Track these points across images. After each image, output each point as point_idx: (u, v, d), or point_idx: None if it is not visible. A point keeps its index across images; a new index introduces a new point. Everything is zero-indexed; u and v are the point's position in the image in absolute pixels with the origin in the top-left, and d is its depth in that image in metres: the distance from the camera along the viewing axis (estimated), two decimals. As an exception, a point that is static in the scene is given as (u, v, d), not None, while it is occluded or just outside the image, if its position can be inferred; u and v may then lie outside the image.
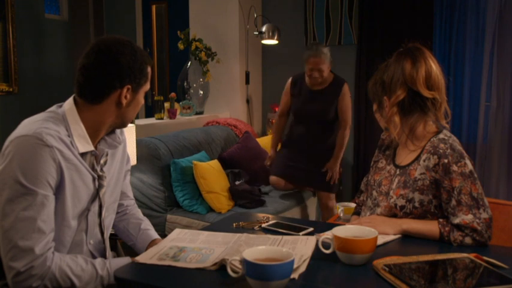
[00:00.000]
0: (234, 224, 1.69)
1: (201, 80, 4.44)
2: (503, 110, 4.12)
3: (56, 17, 5.82)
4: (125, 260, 1.40)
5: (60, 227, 1.36)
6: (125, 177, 1.67)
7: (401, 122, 1.65)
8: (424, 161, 1.58)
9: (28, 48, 5.28)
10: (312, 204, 3.99)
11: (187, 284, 1.23)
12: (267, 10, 4.92)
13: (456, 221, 1.50)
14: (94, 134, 1.43)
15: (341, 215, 2.23)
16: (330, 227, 1.56)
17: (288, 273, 1.14)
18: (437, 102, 1.62)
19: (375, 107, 1.76)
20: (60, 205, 1.34)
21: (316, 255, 1.35)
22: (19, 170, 1.25)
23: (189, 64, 4.46)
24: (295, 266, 1.21)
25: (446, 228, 1.51)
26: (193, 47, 4.29)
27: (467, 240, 1.49)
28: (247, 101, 4.81)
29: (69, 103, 1.42)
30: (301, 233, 1.57)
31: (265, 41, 4.49)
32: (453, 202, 1.52)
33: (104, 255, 1.53)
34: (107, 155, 1.48)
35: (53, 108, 1.43)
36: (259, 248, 1.22)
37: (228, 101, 4.76)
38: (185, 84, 4.48)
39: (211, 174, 3.34)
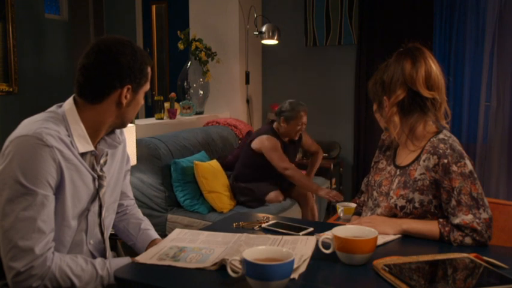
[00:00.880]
0: (234, 224, 1.69)
1: (201, 80, 4.43)
2: (503, 110, 4.12)
3: (56, 17, 5.82)
4: (125, 260, 1.40)
5: (60, 227, 1.36)
6: (124, 177, 1.67)
7: (401, 122, 1.65)
8: (424, 161, 1.58)
9: (28, 48, 5.28)
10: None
11: (187, 284, 1.23)
12: (267, 10, 4.93)
13: (456, 221, 1.50)
14: (94, 134, 1.43)
15: (341, 215, 2.22)
16: (330, 227, 1.56)
17: (288, 273, 1.14)
18: (437, 102, 1.61)
19: (375, 107, 1.76)
20: (60, 205, 1.34)
21: (316, 255, 1.35)
22: (19, 170, 1.25)
23: (189, 64, 4.46)
24: (295, 266, 1.20)
25: (446, 228, 1.51)
26: (193, 47, 4.29)
27: (467, 240, 1.49)
28: (247, 101, 4.81)
29: (69, 103, 1.42)
30: (301, 233, 1.57)
31: (265, 41, 4.49)
32: (453, 202, 1.52)
33: (104, 255, 1.53)
34: (106, 155, 1.49)
35: (53, 108, 1.43)
36: (259, 248, 1.22)
37: (228, 101, 4.76)
38: (185, 84, 4.47)
39: (212, 174, 3.35)
